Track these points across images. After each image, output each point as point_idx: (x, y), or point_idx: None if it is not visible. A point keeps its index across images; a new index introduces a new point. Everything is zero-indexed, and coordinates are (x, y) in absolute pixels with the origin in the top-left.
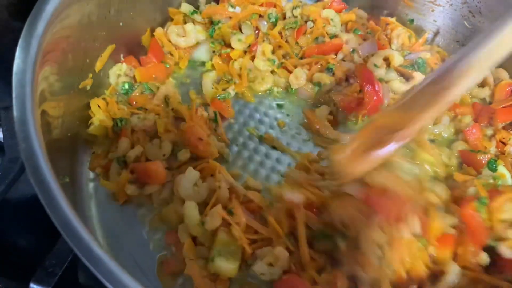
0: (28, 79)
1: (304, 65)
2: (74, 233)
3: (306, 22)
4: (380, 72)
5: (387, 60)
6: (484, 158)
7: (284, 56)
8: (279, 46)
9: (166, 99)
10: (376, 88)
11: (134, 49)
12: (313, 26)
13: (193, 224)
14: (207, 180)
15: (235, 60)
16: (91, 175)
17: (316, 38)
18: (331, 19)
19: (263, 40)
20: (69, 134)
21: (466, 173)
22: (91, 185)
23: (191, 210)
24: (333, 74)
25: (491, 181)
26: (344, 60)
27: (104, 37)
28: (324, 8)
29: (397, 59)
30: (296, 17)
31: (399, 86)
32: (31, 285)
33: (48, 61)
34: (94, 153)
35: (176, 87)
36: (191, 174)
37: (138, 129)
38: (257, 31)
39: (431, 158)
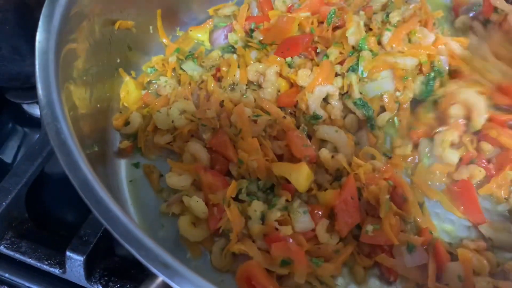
0: (51, 47)
1: None
2: (93, 193)
3: None
4: None
5: None
6: None
7: None
8: None
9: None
10: None
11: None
12: None
13: None
14: None
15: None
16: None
17: None
18: None
19: None
20: (98, 105)
21: None
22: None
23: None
24: None
25: None
26: None
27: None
28: None
29: None
30: None
31: None
32: (67, 253)
33: (73, 30)
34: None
35: None
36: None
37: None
38: None
39: None
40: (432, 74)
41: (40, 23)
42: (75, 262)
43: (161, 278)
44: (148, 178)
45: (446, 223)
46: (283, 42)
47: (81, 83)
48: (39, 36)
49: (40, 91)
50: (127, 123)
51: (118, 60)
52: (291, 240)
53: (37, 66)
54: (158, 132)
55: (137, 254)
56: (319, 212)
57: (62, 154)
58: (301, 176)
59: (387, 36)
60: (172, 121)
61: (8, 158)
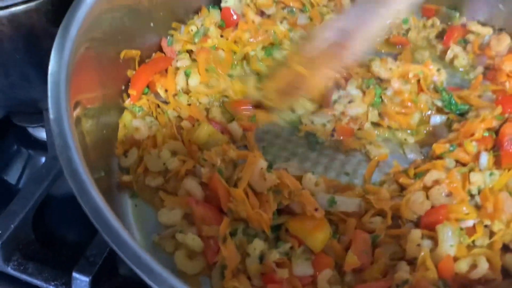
0: (63, 78)
1: None
2: (105, 222)
3: None
4: None
5: None
6: None
7: None
8: None
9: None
10: None
11: None
12: None
13: None
14: None
15: None
16: None
17: None
18: None
19: None
20: (104, 131)
21: None
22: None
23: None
24: None
25: None
26: None
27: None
28: None
29: None
30: None
31: None
32: (74, 274)
33: (82, 62)
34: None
35: None
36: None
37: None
38: None
39: None
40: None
41: (52, 56)
42: (81, 283)
43: None
44: (151, 203)
45: None
46: None
47: (88, 110)
48: (51, 68)
49: (52, 120)
50: (126, 154)
51: (123, 87)
52: (286, 284)
53: (49, 99)
54: (149, 174)
55: (146, 278)
56: (324, 261)
57: (75, 183)
58: (316, 241)
59: (376, 64)
60: (164, 164)
61: (12, 179)
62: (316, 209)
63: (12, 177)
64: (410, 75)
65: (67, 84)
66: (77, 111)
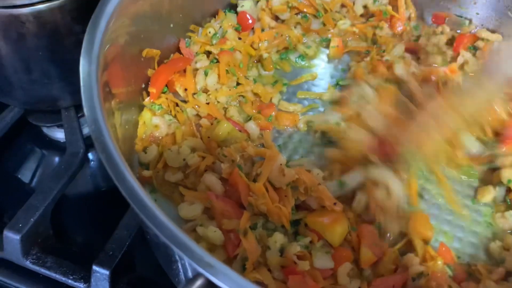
0: (93, 69)
1: None
2: (140, 201)
3: None
4: None
5: None
6: None
7: None
8: None
9: None
10: None
11: None
12: None
13: None
14: None
15: None
16: None
17: None
18: None
19: None
20: (126, 127)
21: None
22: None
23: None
24: None
25: None
26: None
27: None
28: None
29: None
30: None
31: None
32: (94, 267)
33: (109, 57)
34: None
35: None
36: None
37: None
38: None
39: None
40: None
41: (83, 49)
42: (101, 276)
43: (199, 282)
44: (170, 198)
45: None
46: None
47: (114, 103)
48: (82, 60)
49: (86, 109)
50: (145, 150)
51: (143, 86)
52: (307, 276)
53: (82, 88)
54: (169, 169)
55: (184, 255)
56: (343, 255)
57: (111, 166)
58: (335, 235)
59: (399, 66)
60: (184, 159)
61: (26, 178)
62: (335, 203)
63: (25, 176)
64: (433, 79)
65: (97, 75)
66: (106, 104)
